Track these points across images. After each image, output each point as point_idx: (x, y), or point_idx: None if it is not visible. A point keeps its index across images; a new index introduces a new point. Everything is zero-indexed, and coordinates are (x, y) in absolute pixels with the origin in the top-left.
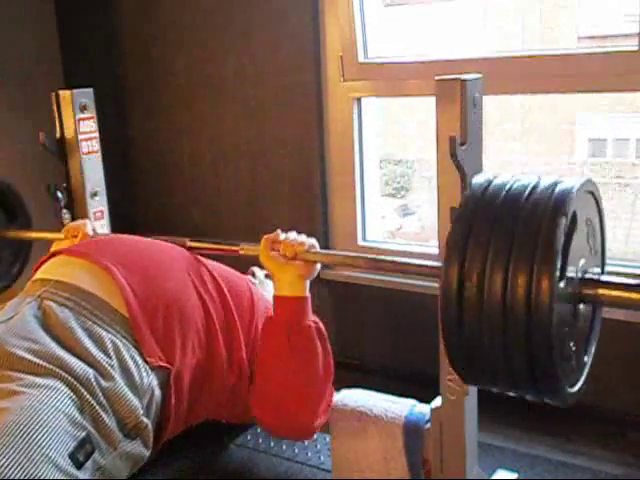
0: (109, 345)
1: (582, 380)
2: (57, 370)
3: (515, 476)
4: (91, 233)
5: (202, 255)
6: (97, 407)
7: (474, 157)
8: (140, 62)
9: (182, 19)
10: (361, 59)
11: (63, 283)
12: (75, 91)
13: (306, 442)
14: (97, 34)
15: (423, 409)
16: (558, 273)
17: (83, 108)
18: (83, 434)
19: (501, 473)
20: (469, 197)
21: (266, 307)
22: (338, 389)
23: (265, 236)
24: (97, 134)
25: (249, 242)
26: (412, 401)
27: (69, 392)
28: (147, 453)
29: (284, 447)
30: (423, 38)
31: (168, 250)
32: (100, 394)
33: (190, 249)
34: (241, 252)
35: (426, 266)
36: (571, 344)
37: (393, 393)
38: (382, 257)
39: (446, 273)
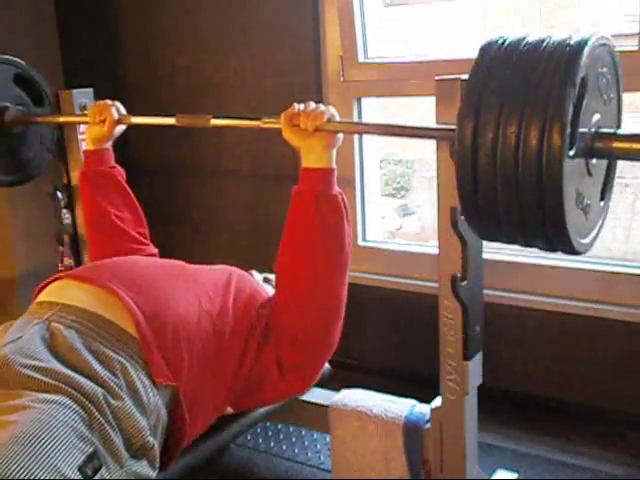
0: (116, 365)
1: (595, 232)
2: (66, 388)
3: (515, 476)
4: (116, 116)
5: (226, 128)
6: (105, 425)
7: None
8: (140, 62)
9: (182, 19)
10: (361, 59)
11: (70, 306)
12: (75, 91)
13: (306, 442)
14: (97, 34)
15: (423, 409)
16: (569, 128)
17: (83, 108)
18: (91, 449)
19: (501, 473)
20: (482, 56)
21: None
22: (338, 389)
23: (283, 113)
24: None
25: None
26: (412, 401)
27: (78, 408)
28: (154, 474)
29: (284, 447)
30: (423, 38)
31: (169, 268)
32: (108, 412)
33: (214, 126)
34: (263, 125)
35: (439, 129)
36: (584, 197)
37: (393, 393)
38: (394, 123)
39: (460, 132)
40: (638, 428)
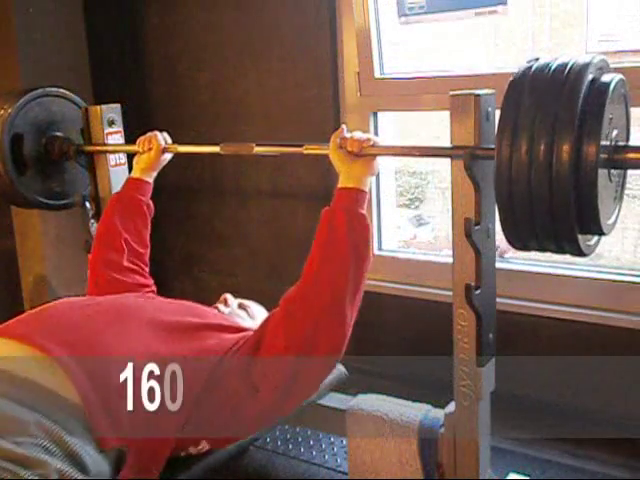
0: (46, 441)
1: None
2: None
3: None
4: (163, 144)
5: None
6: None
7: (487, 168)
8: (165, 79)
9: (205, 38)
10: (377, 75)
11: (2, 372)
12: (103, 106)
13: (323, 445)
14: (125, 52)
15: (437, 414)
16: (602, 141)
17: (111, 122)
18: None
19: (513, 477)
20: (515, 78)
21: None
22: (354, 394)
23: (334, 134)
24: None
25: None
26: (427, 406)
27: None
28: None
29: (302, 449)
30: (437, 55)
31: (116, 309)
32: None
33: (256, 154)
34: (305, 152)
35: (459, 147)
36: (608, 204)
37: (408, 398)
38: (415, 145)
39: (499, 152)
40: None
